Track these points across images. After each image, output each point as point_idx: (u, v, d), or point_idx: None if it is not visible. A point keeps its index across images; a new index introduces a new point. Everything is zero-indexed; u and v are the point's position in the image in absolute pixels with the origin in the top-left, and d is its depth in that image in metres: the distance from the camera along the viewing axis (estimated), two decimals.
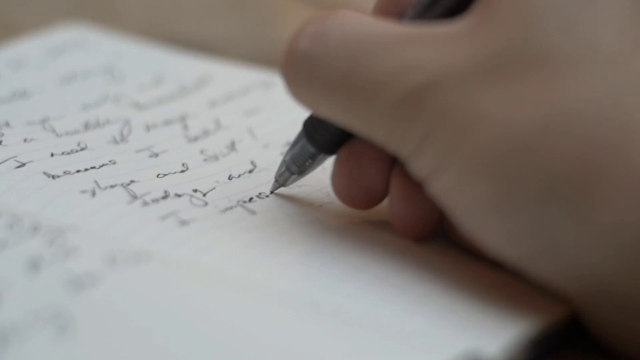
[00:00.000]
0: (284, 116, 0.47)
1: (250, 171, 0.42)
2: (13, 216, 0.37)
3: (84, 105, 0.48)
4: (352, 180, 0.37)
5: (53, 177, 0.40)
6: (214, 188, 0.40)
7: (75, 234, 0.36)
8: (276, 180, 0.40)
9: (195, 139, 0.45)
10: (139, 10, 0.66)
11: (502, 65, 0.32)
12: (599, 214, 0.31)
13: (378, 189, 0.37)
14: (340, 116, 0.35)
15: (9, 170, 0.41)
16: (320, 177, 0.41)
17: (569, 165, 0.31)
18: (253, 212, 0.39)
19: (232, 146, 0.44)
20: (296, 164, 0.39)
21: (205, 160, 0.43)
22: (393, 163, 0.36)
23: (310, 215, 0.39)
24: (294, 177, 0.39)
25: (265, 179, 0.41)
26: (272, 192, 0.40)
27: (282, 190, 0.40)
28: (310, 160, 0.38)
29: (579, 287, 0.32)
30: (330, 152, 0.38)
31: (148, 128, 0.46)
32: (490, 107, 0.32)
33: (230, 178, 0.41)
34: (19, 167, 0.41)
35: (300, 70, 0.35)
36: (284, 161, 0.39)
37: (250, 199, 0.40)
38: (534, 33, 0.32)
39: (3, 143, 0.43)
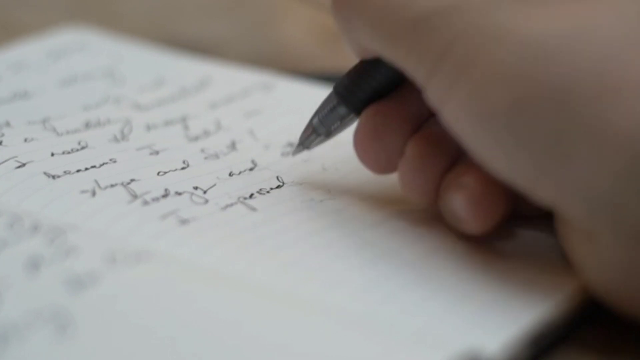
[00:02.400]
0: (285, 118, 0.47)
1: (251, 169, 0.42)
2: (13, 216, 0.37)
3: (85, 106, 0.48)
4: (376, 137, 0.38)
5: (53, 177, 0.40)
6: (214, 185, 0.40)
7: (75, 233, 0.36)
8: (301, 144, 0.41)
9: (196, 138, 0.45)
10: (139, 11, 0.66)
11: None
12: (612, 127, 0.31)
13: (398, 149, 0.37)
14: (370, 35, 0.36)
15: (10, 171, 0.41)
16: (321, 175, 0.41)
17: (587, 77, 0.31)
18: (254, 209, 0.39)
19: (233, 146, 0.44)
20: (324, 126, 0.40)
21: (205, 158, 0.43)
22: (416, 126, 0.37)
23: (311, 212, 0.39)
24: (320, 138, 0.40)
25: (267, 176, 0.41)
26: (293, 155, 0.41)
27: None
28: (338, 122, 0.39)
29: (588, 208, 0.32)
30: (360, 114, 0.39)
31: (149, 128, 0.46)
32: (513, 25, 0.33)
33: (230, 174, 0.41)
34: (19, 167, 0.41)
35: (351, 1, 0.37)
36: (310, 124, 0.40)
37: (251, 195, 0.40)
38: None
39: (3, 143, 0.43)
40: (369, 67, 0.38)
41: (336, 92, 0.39)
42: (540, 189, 0.33)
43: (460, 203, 0.36)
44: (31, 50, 0.54)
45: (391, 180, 0.41)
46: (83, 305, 0.32)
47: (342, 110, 0.39)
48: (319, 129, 0.40)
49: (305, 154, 0.43)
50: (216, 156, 0.43)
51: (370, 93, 0.38)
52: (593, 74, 0.32)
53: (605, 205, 0.31)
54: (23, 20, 0.62)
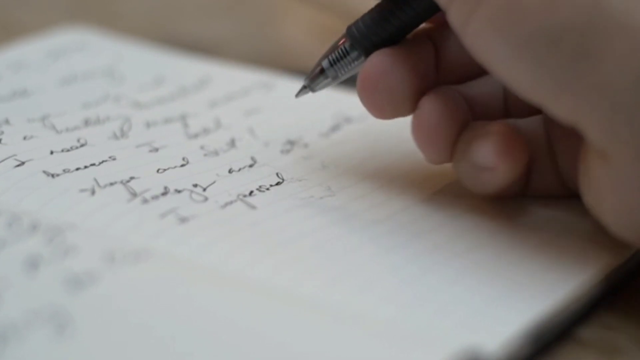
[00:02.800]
0: (284, 116, 0.47)
1: (251, 166, 0.42)
2: (12, 215, 0.37)
3: (84, 104, 0.48)
4: (381, 79, 0.38)
5: (52, 175, 0.40)
6: (214, 182, 0.40)
7: (74, 232, 0.36)
8: (306, 86, 0.40)
9: (196, 136, 0.45)
10: (139, 11, 0.66)
11: None
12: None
13: (404, 96, 0.38)
14: None
15: (9, 170, 0.41)
16: (321, 172, 0.41)
17: None
18: (253, 207, 0.39)
19: (232, 143, 0.44)
20: (334, 68, 0.39)
21: (205, 155, 0.43)
22: (426, 80, 0.38)
23: (311, 210, 0.39)
24: (327, 81, 0.40)
25: (266, 173, 0.41)
26: (297, 97, 0.41)
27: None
28: (348, 66, 0.39)
29: (608, 118, 0.32)
30: None
31: (148, 125, 0.46)
32: None
33: (230, 171, 0.41)
34: (18, 165, 0.41)
35: None
36: (318, 64, 0.40)
37: (251, 193, 0.40)
38: None
39: (3, 141, 0.43)
40: (385, 10, 0.38)
41: (350, 34, 0.39)
42: (562, 103, 0.33)
43: (488, 149, 0.36)
44: (31, 50, 0.54)
45: (391, 178, 0.41)
46: (82, 304, 0.32)
47: (354, 53, 0.39)
48: (328, 72, 0.40)
49: (305, 151, 0.43)
50: (216, 153, 0.43)
51: (385, 37, 0.38)
52: None
53: (625, 113, 0.32)
54: (23, 20, 0.62)
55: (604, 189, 0.34)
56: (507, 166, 0.37)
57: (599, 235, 0.37)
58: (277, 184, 0.41)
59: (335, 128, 0.46)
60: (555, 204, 0.39)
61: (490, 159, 0.36)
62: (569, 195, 0.38)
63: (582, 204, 0.36)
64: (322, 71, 0.40)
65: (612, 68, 0.32)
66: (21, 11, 0.64)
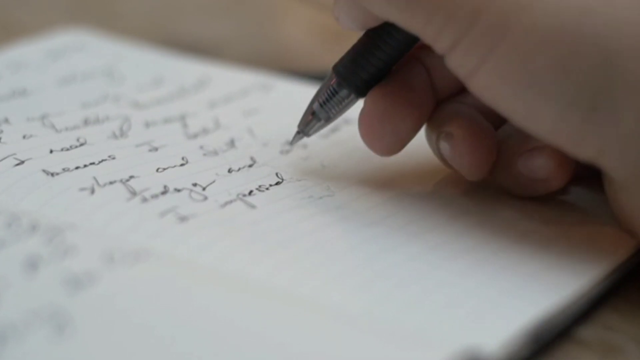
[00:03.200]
0: (283, 117, 0.47)
1: (250, 165, 0.42)
2: (11, 215, 0.37)
3: (83, 104, 0.48)
4: (384, 120, 0.38)
5: (52, 174, 0.40)
6: (213, 181, 0.40)
7: (73, 232, 0.36)
8: (300, 131, 0.40)
9: (195, 136, 0.45)
10: (139, 11, 0.66)
11: None
12: None
13: (407, 132, 0.38)
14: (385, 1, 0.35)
15: (8, 168, 0.40)
16: (321, 172, 0.41)
17: (629, 32, 0.31)
18: (253, 207, 0.39)
19: (232, 143, 0.44)
20: (325, 110, 0.39)
21: (204, 155, 0.43)
22: (425, 110, 0.38)
23: (310, 209, 0.39)
24: (320, 124, 0.40)
25: (266, 172, 0.41)
26: (292, 144, 0.41)
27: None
28: (339, 105, 0.39)
29: (633, 165, 0.32)
30: (362, 94, 0.38)
31: (147, 125, 0.46)
32: None
33: (230, 171, 0.41)
34: (17, 164, 0.41)
35: None
36: (309, 109, 0.40)
37: (250, 192, 0.40)
38: None
39: (2, 140, 0.43)
40: (370, 43, 0.38)
41: (336, 72, 0.39)
42: (584, 147, 0.33)
43: (545, 163, 0.37)
44: (30, 50, 0.54)
45: (391, 178, 0.41)
46: (81, 304, 0.32)
47: (343, 92, 0.39)
48: (319, 114, 0.39)
49: (304, 152, 0.43)
50: (215, 153, 0.43)
51: (373, 72, 0.38)
52: (634, 26, 0.31)
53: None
54: (23, 21, 0.62)
55: (628, 209, 0.34)
56: (563, 176, 0.37)
57: (598, 236, 0.37)
58: (277, 183, 0.40)
59: (334, 129, 0.46)
60: (555, 205, 0.39)
61: (547, 172, 0.37)
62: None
63: (582, 205, 0.36)
64: (314, 114, 0.40)
65: (632, 120, 0.32)
66: (21, 11, 0.64)
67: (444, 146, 0.38)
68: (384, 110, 0.38)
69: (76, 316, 0.32)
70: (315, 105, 0.40)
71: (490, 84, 0.34)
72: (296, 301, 0.33)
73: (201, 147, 0.43)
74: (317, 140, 0.44)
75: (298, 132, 0.41)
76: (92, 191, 0.39)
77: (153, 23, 0.64)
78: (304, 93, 0.50)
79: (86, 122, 0.46)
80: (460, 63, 0.34)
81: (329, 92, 0.39)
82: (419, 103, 0.38)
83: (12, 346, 0.31)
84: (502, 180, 0.38)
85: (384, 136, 0.38)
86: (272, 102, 0.49)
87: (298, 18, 0.65)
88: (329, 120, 0.40)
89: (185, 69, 0.53)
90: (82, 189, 0.39)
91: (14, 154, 0.42)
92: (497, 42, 0.33)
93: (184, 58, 0.54)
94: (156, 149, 0.43)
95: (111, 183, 0.40)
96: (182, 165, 0.42)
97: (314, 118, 0.40)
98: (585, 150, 0.33)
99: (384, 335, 0.32)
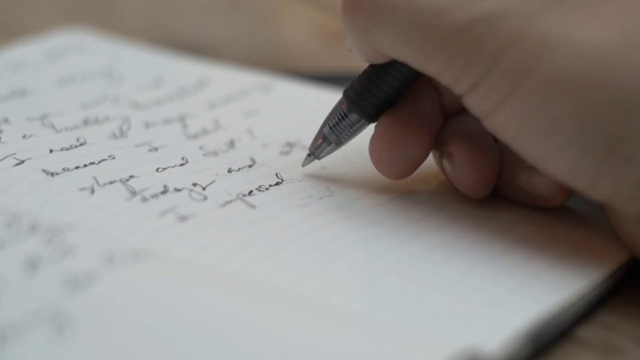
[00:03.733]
0: (283, 118, 0.47)
1: (250, 166, 0.42)
2: (11, 215, 0.37)
3: (83, 104, 0.48)
4: (394, 146, 0.38)
5: (52, 174, 0.40)
6: (213, 181, 0.40)
7: (73, 232, 0.36)
8: (311, 154, 0.40)
9: (195, 136, 0.45)
10: (139, 11, 0.66)
11: None
12: None
13: (417, 156, 0.38)
14: (397, 43, 0.35)
15: (8, 168, 0.40)
16: (320, 173, 0.41)
17: None
18: (253, 206, 0.39)
19: (232, 144, 0.44)
20: (335, 133, 0.39)
21: (204, 155, 0.43)
22: (435, 132, 0.37)
23: (310, 210, 0.39)
24: (330, 147, 0.40)
25: (265, 173, 0.41)
26: (303, 166, 0.41)
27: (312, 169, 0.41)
28: (349, 130, 0.39)
29: (637, 205, 0.33)
30: (372, 119, 0.39)
31: (147, 125, 0.46)
32: (564, 31, 0.32)
33: (229, 171, 0.41)
34: (17, 164, 0.41)
35: None
36: (320, 132, 0.40)
37: (250, 192, 0.40)
38: None
39: (2, 140, 0.43)
40: (381, 71, 0.38)
41: (347, 98, 0.39)
42: (599, 190, 0.33)
43: (547, 184, 0.37)
44: (30, 51, 0.54)
45: (391, 180, 0.41)
46: (81, 305, 0.32)
47: (353, 117, 0.39)
48: (330, 137, 0.40)
49: (304, 153, 0.43)
50: (215, 154, 0.43)
51: (383, 99, 0.38)
52: None
53: None
54: (23, 21, 0.62)
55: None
56: (564, 195, 0.37)
57: (599, 237, 0.37)
58: (277, 184, 0.40)
59: None
60: (555, 207, 0.39)
61: (548, 190, 0.37)
62: None
63: (582, 208, 0.36)
64: (325, 137, 0.40)
65: None
66: (21, 11, 0.64)
67: (446, 165, 0.38)
68: (394, 136, 0.38)
69: (76, 316, 0.32)
70: (326, 129, 0.40)
71: (507, 126, 0.34)
72: (296, 301, 0.33)
73: (201, 148, 0.43)
74: None
75: (309, 155, 0.41)
76: (92, 191, 0.39)
77: (153, 23, 0.64)
78: (304, 93, 0.50)
79: (86, 122, 0.45)
80: (478, 104, 0.34)
81: (339, 116, 0.39)
82: (429, 128, 0.38)
83: (12, 346, 0.31)
84: (504, 192, 0.38)
85: (395, 162, 0.38)
86: (272, 103, 0.49)
87: (298, 18, 0.65)
88: (339, 143, 0.40)
89: (185, 70, 0.53)
90: (82, 189, 0.39)
91: (14, 153, 0.41)
92: (515, 86, 0.33)
93: (183, 58, 0.54)
94: (156, 149, 0.43)
95: (111, 183, 0.40)
96: (182, 165, 0.42)
97: (325, 141, 0.40)
98: (599, 193, 0.33)
99: (384, 335, 0.32)
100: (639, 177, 0.32)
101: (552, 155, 0.33)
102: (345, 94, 0.39)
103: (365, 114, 0.39)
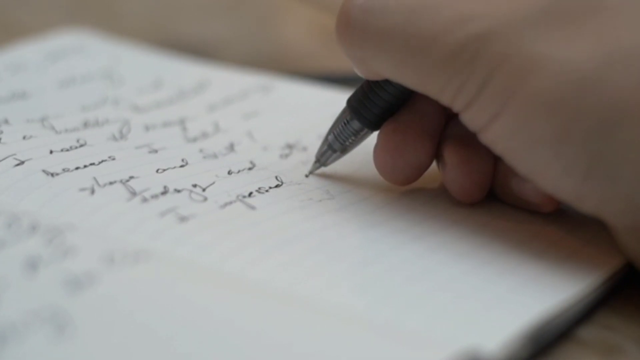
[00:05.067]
0: (283, 119, 0.47)
1: (250, 169, 0.42)
2: (11, 215, 0.37)
3: (83, 106, 0.48)
4: (396, 154, 0.38)
5: (52, 175, 0.40)
6: (213, 183, 0.40)
7: (73, 233, 0.36)
8: (317, 160, 0.41)
9: (195, 139, 0.45)
10: (139, 11, 0.66)
11: (558, 11, 0.33)
12: None
13: (420, 163, 0.38)
14: (393, 69, 0.36)
15: (8, 169, 0.40)
16: (320, 176, 0.41)
17: (627, 101, 0.32)
18: (253, 208, 0.39)
19: (231, 147, 0.44)
20: (339, 141, 0.40)
21: (204, 158, 0.43)
22: (438, 135, 0.38)
23: (310, 211, 0.39)
24: (335, 155, 0.40)
25: (265, 175, 0.41)
26: (311, 173, 0.41)
27: (321, 171, 0.41)
28: (353, 137, 0.39)
29: (632, 219, 0.33)
30: (375, 128, 0.39)
31: (147, 128, 0.46)
32: (548, 51, 0.33)
33: (229, 173, 0.41)
34: (17, 165, 0.41)
35: (356, 23, 0.36)
36: (325, 140, 0.40)
37: (250, 194, 0.40)
38: None
39: (2, 141, 0.43)
40: (382, 81, 0.38)
41: (350, 106, 0.39)
42: (585, 205, 0.34)
43: (537, 193, 0.37)
44: (29, 52, 0.54)
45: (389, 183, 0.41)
46: (81, 305, 0.32)
47: (356, 125, 0.39)
48: (334, 145, 0.40)
49: (304, 155, 0.43)
50: (215, 156, 0.43)
51: (384, 108, 0.38)
52: (634, 98, 0.32)
53: None
54: (23, 21, 0.62)
55: (632, 249, 0.35)
56: (554, 203, 0.37)
57: (599, 238, 0.37)
58: (276, 186, 0.40)
59: None
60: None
61: (538, 197, 0.37)
62: None
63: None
64: (330, 145, 0.40)
65: (631, 180, 0.33)
66: (21, 12, 0.64)
67: (440, 169, 0.39)
68: (396, 145, 0.38)
69: (76, 317, 0.32)
70: (330, 137, 0.40)
71: (497, 141, 0.35)
72: (296, 301, 0.33)
73: (201, 151, 0.43)
74: (316, 143, 0.44)
75: (316, 162, 0.41)
76: (92, 191, 0.39)
77: (153, 23, 0.64)
78: (304, 94, 0.50)
79: (86, 125, 0.45)
80: (472, 121, 0.35)
81: (342, 124, 0.40)
82: (431, 133, 0.38)
83: (12, 346, 0.31)
84: (498, 195, 0.39)
85: (399, 170, 0.38)
86: (271, 104, 0.49)
87: (298, 18, 0.65)
88: (344, 151, 0.40)
89: (185, 72, 0.53)
90: (82, 190, 0.39)
91: (14, 154, 0.42)
92: (503, 106, 0.34)
93: (183, 60, 0.54)
94: (156, 151, 0.43)
95: (111, 183, 0.40)
96: (182, 166, 0.42)
97: (329, 149, 0.40)
98: (586, 207, 0.34)
99: (384, 336, 0.32)
100: (623, 193, 0.33)
101: (538, 172, 0.34)
102: (348, 102, 0.39)
103: (367, 123, 0.39)
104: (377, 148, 0.39)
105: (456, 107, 0.35)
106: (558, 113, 0.33)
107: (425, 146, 0.38)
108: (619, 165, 0.33)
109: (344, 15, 0.36)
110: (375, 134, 0.39)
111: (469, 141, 0.38)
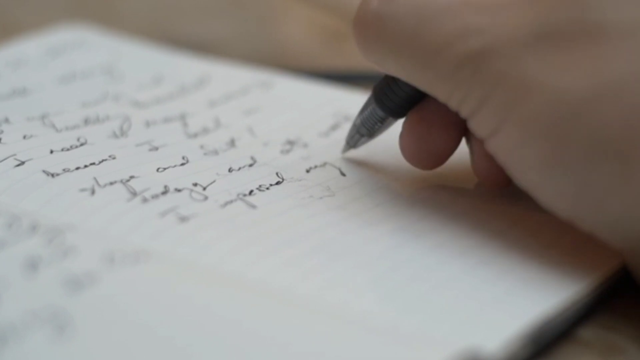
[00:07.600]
0: (284, 115, 0.47)
1: (251, 165, 0.42)
2: (12, 215, 0.37)
3: (84, 103, 0.48)
4: (422, 142, 0.39)
5: (52, 175, 0.40)
6: (214, 181, 0.40)
7: (73, 233, 0.36)
8: (347, 143, 0.42)
9: (195, 135, 0.45)
10: (140, 10, 0.66)
11: (556, 33, 0.33)
12: None
13: (446, 150, 0.39)
14: (404, 73, 0.37)
15: (8, 169, 0.40)
16: (320, 173, 0.41)
17: (616, 131, 0.32)
18: (253, 207, 0.39)
19: (232, 143, 0.44)
20: (366, 127, 0.41)
21: (205, 154, 0.43)
22: (463, 125, 0.38)
23: (311, 209, 0.39)
24: (364, 139, 0.41)
25: (266, 172, 0.41)
26: (343, 154, 0.42)
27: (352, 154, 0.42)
28: (379, 124, 0.40)
29: (624, 239, 0.33)
30: (398, 116, 0.39)
31: (148, 124, 0.46)
32: (542, 75, 0.33)
33: (230, 171, 0.41)
34: (18, 165, 0.41)
35: (370, 27, 0.37)
36: (354, 125, 0.41)
37: (251, 192, 0.40)
38: (589, 3, 0.33)
39: (2, 140, 0.43)
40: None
41: (374, 95, 0.40)
42: (580, 226, 0.34)
43: None
44: (29, 47, 0.54)
45: (391, 178, 0.41)
46: (82, 305, 0.32)
47: (380, 112, 0.40)
48: (360, 130, 0.41)
49: (305, 151, 0.43)
50: (215, 153, 0.43)
51: (405, 98, 0.39)
52: (624, 129, 0.32)
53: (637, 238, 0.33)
54: (23, 20, 0.62)
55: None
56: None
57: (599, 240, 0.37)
58: (277, 183, 0.40)
59: (335, 127, 0.46)
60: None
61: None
62: None
63: None
64: (357, 130, 0.41)
65: (622, 206, 0.33)
66: (21, 11, 0.64)
67: (470, 154, 0.39)
68: (421, 134, 0.39)
69: (76, 317, 0.32)
70: (357, 121, 0.41)
71: (498, 153, 0.35)
72: (296, 301, 0.33)
73: (201, 147, 0.43)
74: (317, 140, 0.44)
75: (346, 144, 0.42)
76: (93, 192, 0.39)
77: (153, 22, 0.64)
78: (305, 91, 0.50)
79: (86, 121, 0.45)
80: (476, 129, 0.36)
81: (369, 111, 0.40)
82: (457, 121, 0.38)
83: (12, 346, 0.31)
84: None
85: (425, 156, 0.39)
86: (272, 100, 0.49)
87: (298, 17, 0.65)
88: (372, 135, 0.41)
89: (185, 67, 0.52)
90: (83, 190, 0.39)
91: (14, 154, 0.41)
92: (502, 123, 0.34)
93: (184, 56, 0.54)
94: (156, 149, 0.43)
95: (111, 183, 0.40)
96: (182, 165, 0.42)
97: (357, 132, 0.41)
98: (582, 228, 0.34)
99: (384, 335, 0.32)
100: (611, 221, 0.33)
101: (533, 190, 0.35)
102: (373, 90, 0.40)
103: (389, 112, 0.39)
104: (403, 136, 0.39)
105: (462, 114, 0.36)
106: (549, 138, 0.33)
107: (449, 134, 0.38)
108: (604, 195, 0.33)
109: (361, 18, 0.37)
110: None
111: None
